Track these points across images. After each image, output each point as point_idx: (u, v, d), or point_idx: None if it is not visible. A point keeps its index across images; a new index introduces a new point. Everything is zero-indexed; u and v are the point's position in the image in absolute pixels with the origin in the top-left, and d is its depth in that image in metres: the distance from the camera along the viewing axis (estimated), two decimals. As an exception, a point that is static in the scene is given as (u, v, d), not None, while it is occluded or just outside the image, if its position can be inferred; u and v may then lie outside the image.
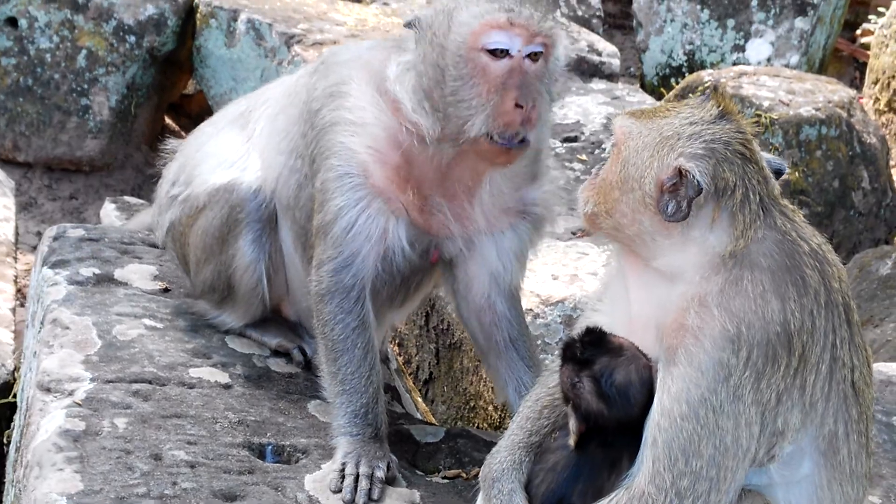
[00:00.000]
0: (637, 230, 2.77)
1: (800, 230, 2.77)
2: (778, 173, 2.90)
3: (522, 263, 3.68)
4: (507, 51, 3.21)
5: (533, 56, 3.23)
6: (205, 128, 4.01)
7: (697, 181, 2.67)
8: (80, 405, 3.16)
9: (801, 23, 8.38)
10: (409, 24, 3.37)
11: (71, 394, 3.22)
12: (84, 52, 6.70)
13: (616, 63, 8.30)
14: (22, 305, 5.43)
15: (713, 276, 2.68)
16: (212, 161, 3.80)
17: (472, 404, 4.55)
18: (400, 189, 3.39)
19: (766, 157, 2.92)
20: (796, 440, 2.71)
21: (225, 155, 3.79)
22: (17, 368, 4.39)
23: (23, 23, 6.66)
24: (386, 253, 3.40)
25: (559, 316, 4.28)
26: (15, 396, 4.27)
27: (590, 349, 2.79)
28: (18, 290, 5.22)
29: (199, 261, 3.73)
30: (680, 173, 2.69)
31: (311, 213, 3.48)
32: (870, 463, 2.86)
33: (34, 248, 6.33)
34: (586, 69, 8.19)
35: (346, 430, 3.29)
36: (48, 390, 3.25)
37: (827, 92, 7.01)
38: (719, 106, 2.78)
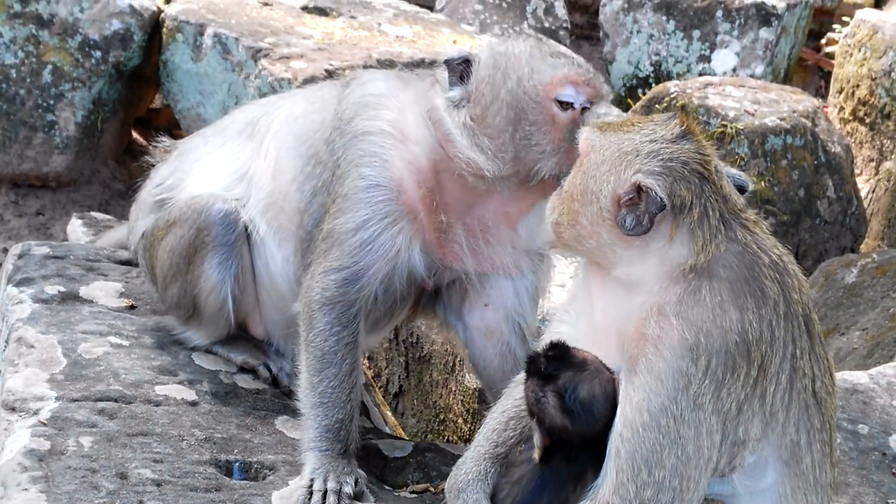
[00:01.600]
0: (597, 242, 2.81)
1: (760, 242, 2.80)
2: (741, 189, 2.95)
3: (537, 304, 3.73)
4: (572, 104, 3.40)
5: (586, 112, 3.43)
6: (209, 132, 3.99)
7: (660, 197, 2.69)
8: (45, 424, 3.14)
9: (765, 33, 8.45)
10: (454, 61, 3.45)
11: (36, 413, 3.20)
12: (49, 67, 6.67)
13: (583, 74, 8.33)
14: (-12, 323, 5.39)
15: (672, 286, 2.72)
16: (201, 173, 3.79)
17: (441, 417, 4.55)
18: (428, 212, 3.44)
19: (730, 172, 2.96)
20: (758, 450, 2.74)
21: (216, 168, 3.78)
22: (-18, 387, 4.37)
23: (-13, 38, 6.63)
24: (392, 272, 3.42)
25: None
26: (-20, 416, 4.24)
27: (553, 363, 2.80)
28: (-16, 308, 5.18)
29: (167, 277, 3.73)
30: (638, 189, 2.72)
31: (319, 220, 3.49)
32: (834, 472, 2.89)
33: (0, 265, 6.29)
34: (554, 80, 8.23)
35: (316, 445, 3.29)
36: (13, 409, 3.22)
37: (792, 102, 7.07)
38: (682, 125, 2.81)
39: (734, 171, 3.04)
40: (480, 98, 3.42)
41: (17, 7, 6.61)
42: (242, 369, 3.70)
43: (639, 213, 2.72)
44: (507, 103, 3.40)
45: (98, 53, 6.68)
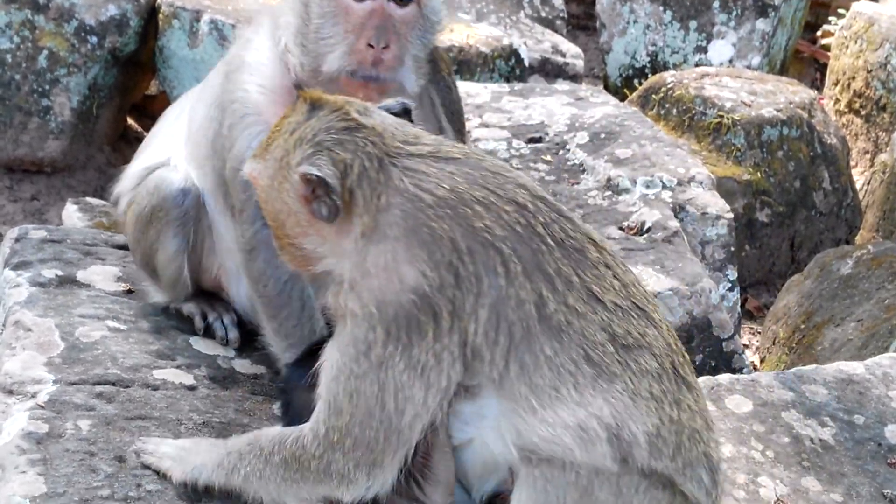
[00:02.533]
0: (324, 248, 2.83)
1: (423, 182, 2.73)
2: (405, 112, 2.96)
3: None
4: None
5: (398, 1, 3.32)
6: (181, 99, 4.02)
7: (319, 176, 2.71)
8: (43, 407, 3.14)
9: (762, 24, 8.46)
10: None
11: (34, 396, 3.19)
12: (45, 52, 6.65)
13: (580, 64, 8.34)
14: (-17, 308, 5.38)
15: (354, 258, 2.73)
16: (154, 147, 3.82)
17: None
18: None
19: (386, 104, 2.97)
20: (475, 385, 2.74)
21: (167, 137, 3.81)
22: (-22, 371, 4.36)
23: (-18, 23, 6.60)
24: None
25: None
26: (-24, 399, 4.23)
27: None
28: (-21, 293, 5.17)
29: (132, 241, 3.78)
30: (307, 180, 2.73)
31: (225, 162, 3.49)
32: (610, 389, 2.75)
33: (-5, 250, 6.27)
34: (550, 70, 8.24)
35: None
36: (10, 392, 3.22)
37: (788, 93, 7.08)
38: (306, 101, 2.82)
39: (390, 101, 3.01)
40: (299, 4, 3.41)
41: (13, -9, 6.59)
42: (239, 353, 3.69)
43: (324, 199, 2.73)
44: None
45: (94, 39, 6.66)
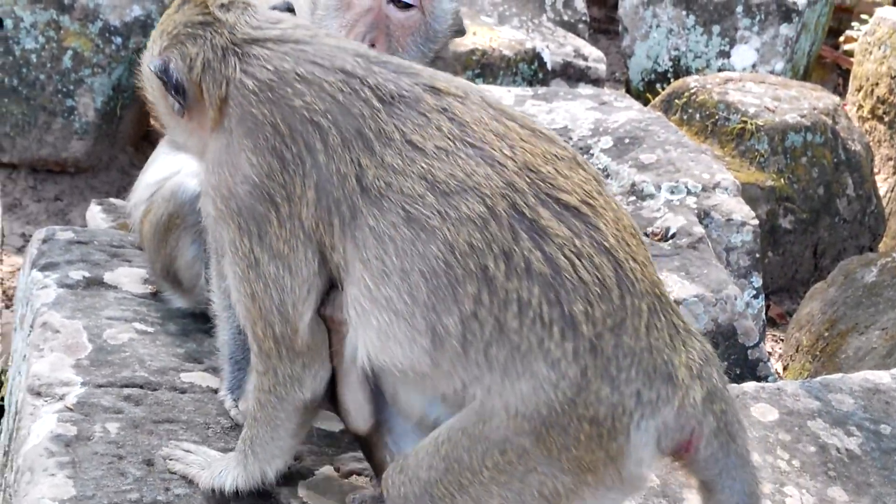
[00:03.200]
0: (191, 145, 2.84)
1: (251, 67, 2.67)
2: (289, 10, 2.92)
3: None
4: None
5: (398, 3, 3.29)
6: None
7: (157, 68, 2.71)
8: (71, 410, 3.14)
9: (786, 29, 8.43)
10: None
11: (62, 398, 3.20)
12: (70, 52, 6.67)
13: (602, 68, 8.33)
14: (6, 307, 5.40)
15: (206, 155, 2.72)
16: (163, 156, 3.82)
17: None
18: None
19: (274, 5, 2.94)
20: (342, 266, 2.60)
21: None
22: (3, 371, 4.37)
23: (8, 23, 6.62)
24: None
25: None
26: (1, 400, 4.24)
27: None
28: (3, 292, 5.19)
29: (150, 251, 3.76)
30: (157, 76, 2.73)
31: None
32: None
33: (19, 250, 6.29)
34: (572, 74, 8.23)
35: None
36: (39, 394, 3.22)
37: (812, 99, 7.05)
38: None
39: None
40: None
41: (39, -8, 6.62)
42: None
43: (173, 94, 2.73)
44: None
45: (118, 39, 6.68)
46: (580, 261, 2.46)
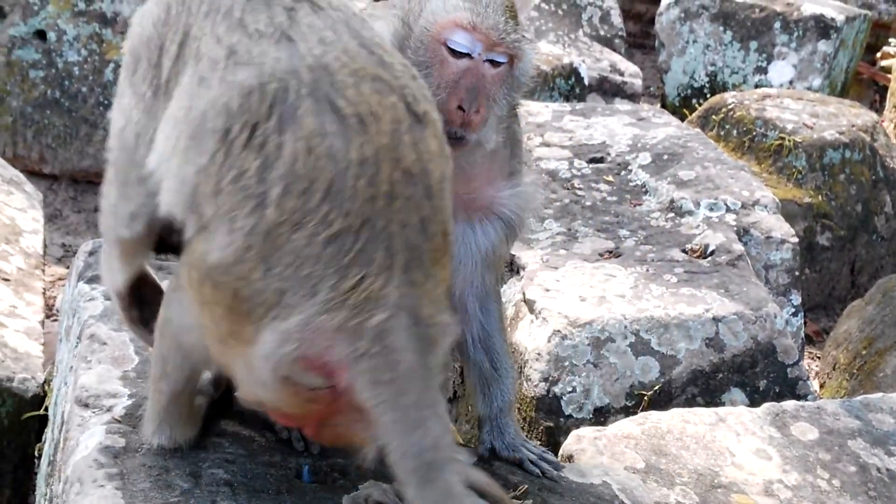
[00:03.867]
0: None
1: None
2: None
3: (491, 264, 3.67)
4: (469, 54, 3.22)
5: (493, 63, 3.24)
6: None
7: None
8: (119, 421, 3.18)
9: (823, 46, 8.41)
10: None
11: (110, 409, 3.23)
12: (111, 65, 6.75)
13: (638, 83, 8.35)
14: (49, 318, 5.46)
15: None
16: None
17: (497, 424, 4.56)
18: None
19: None
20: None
21: None
22: (47, 381, 4.42)
23: (51, 36, 6.71)
24: None
25: (587, 338, 4.30)
26: (46, 409, 4.29)
27: None
28: (46, 303, 5.25)
29: None
30: None
31: None
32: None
33: (59, 260, 6.36)
34: (608, 89, 8.24)
35: None
36: (87, 406, 3.26)
37: (850, 115, 7.03)
38: None
39: None
40: (392, 32, 3.33)
41: (81, 5, 6.69)
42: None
43: None
44: (402, 37, 3.30)
45: (160, 53, 6.75)
46: (308, 156, 2.55)
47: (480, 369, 3.70)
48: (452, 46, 3.22)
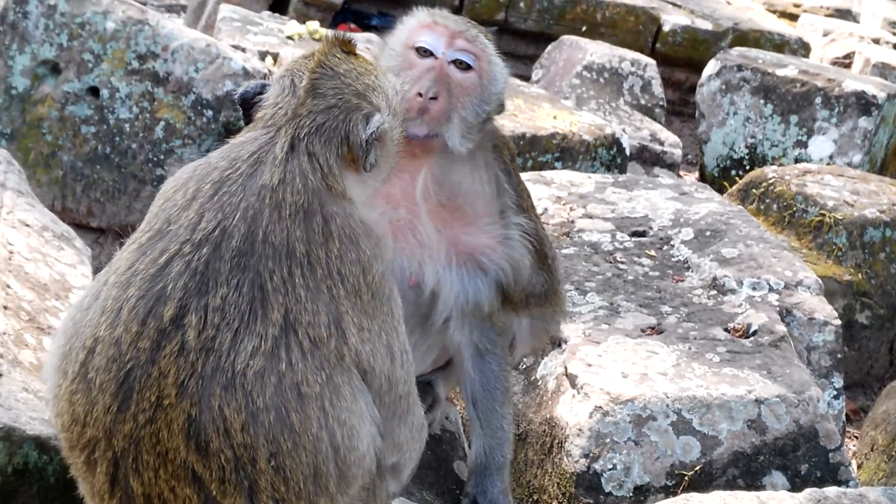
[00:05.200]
0: None
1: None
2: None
3: (478, 316, 3.73)
4: (433, 52, 3.55)
5: (459, 64, 3.56)
6: None
7: None
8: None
9: (864, 122, 8.44)
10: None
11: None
12: (162, 123, 6.86)
13: (678, 153, 8.40)
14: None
15: None
16: None
17: (535, 497, 4.57)
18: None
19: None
20: None
21: None
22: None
23: (104, 93, 6.83)
24: None
25: (628, 415, 4.31)
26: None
27: None
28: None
29: None
30: None
31: None
32: None
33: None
34: (648, 158, 8.30)
35: None
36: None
37: (891, 194, 7.04)
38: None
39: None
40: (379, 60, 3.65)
41: (135, 64, 6.82)
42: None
43: None
44: (383, 59, 3.63)
45: (209, 113, 6.87)
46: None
47: (472, 424, 3.78)
48: (417, 45, 3.55)
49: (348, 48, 3.11)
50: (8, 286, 4.21)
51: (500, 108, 3.73)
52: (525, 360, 4.88)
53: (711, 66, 8.81)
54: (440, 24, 3.57)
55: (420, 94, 3.47)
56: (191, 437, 2.71)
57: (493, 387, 3.77)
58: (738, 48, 9.32)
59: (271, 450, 2.70)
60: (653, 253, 5.44)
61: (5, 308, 4.06)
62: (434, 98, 3.49)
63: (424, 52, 3.55)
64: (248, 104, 3.13)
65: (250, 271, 2.78)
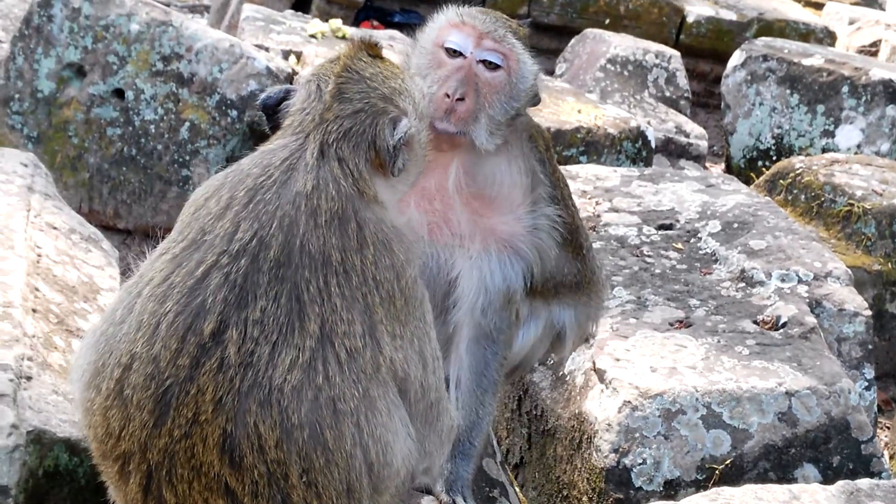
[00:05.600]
0: None
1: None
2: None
3: (495, 301, 3.70)
4: (462, 52, 3.56)
5: (488, 64, 3.58)
6: None
7: None
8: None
9: (892, 111, 8.36)
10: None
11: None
12: (187, 124, 6.89)
13: (704, 145, 8.35)
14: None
15: None
16: None
17: (564, 493, 4.56)
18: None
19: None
20: None
21: None
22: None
23: (129, 94, 6.87)
24: None
25: (658, 409, 4.29)
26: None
27: None
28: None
29: None
30: None
31: None
32: None
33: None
34: (673, 150, 8.26)
35: None
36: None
37: (920, 182, 6.97)
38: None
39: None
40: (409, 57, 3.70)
41: (160, 65, 6.85)
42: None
43: None
44: (413, 57, 3.67)
45: (234, 113, 6.89)
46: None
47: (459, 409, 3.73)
48: (446, 45, 3.55)
49: (374, 51, 3.09)
50: (36, 289, 4.24)
51: (536, 100, 3.75)
52: (552, 356, 4.86)
53: (736, 57, 8.75)
54: (468, 24, 3.57)
55: (448, 95, 3.49)
56: (225, 451, 2.71)
57: (481, 372, 3.74)
58: (762, 38, 9.25)
59: (304, 466, 2.69)
60: (680, 246, 5.41)
61: (34, 311, 4.08)
62: (461, 99, 3.51)
63: (453, 52, 3.56)
64: (272, 110, 3.13)
65: (288, 282, 2.75)
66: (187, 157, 6.93)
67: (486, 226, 3.64)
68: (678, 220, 5.62)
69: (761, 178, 7.23)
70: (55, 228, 4.83)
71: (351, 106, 2.95)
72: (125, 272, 6.85)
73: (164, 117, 6.89)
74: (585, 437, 4.44)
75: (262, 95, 3.18)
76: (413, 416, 2.88)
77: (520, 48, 3.64)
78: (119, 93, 6.89)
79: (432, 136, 3.32)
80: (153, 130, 6.89)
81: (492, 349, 3.76)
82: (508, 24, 3.68)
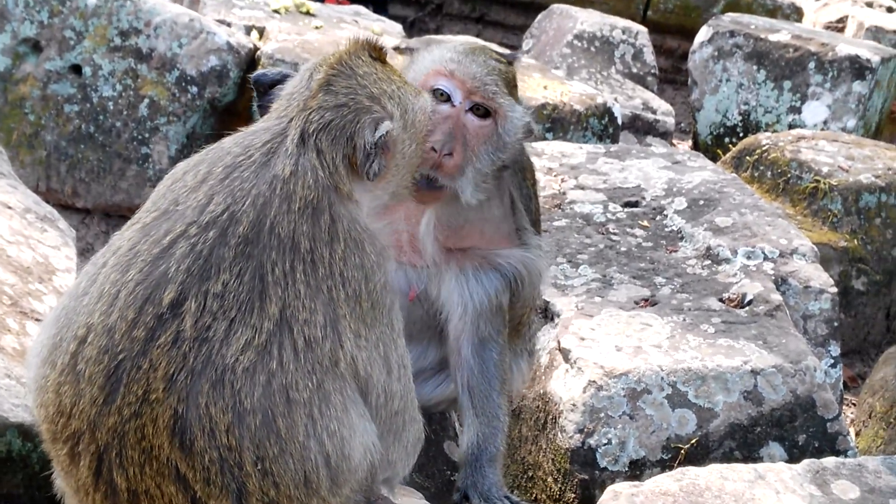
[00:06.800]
0: None
1: None
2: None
3: (485, 313, 3.68)
4: (451, 99, 3.45)
5: (477, 111, 3.47)
6: None
7: None
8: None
9: (858, 86, 8.36)
10: (398, 49, 3.54)
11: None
12: (146, 100, 6.77)
13: (671, 121, 8.32)
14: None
15: None
16: None
17: (529, 474, 4.52)
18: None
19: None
20: None
21: None
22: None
23: (87, 70, 6.74)
24: None
25: (623, 389, 4.25)
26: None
27: None
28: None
29: None
30: None
31: None
32: None
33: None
34: (640, 127, 8.22)
35: None
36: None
37: (886, 159, 6.97)
38: None
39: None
40: None
41: (118, 41, 6.72)
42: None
43: None
44: None
45: (194, 89, 6.77)
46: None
47: (464, 413, 3.71)
48: (435, 87, 3.44)
49: (377, 54, 3.02)
50: (-12, 270, 4.14)
51: (529, 134, 3.66)
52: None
53: (703, 33, 8.71)
54: (458, 77, 3.46)
55: (434, 150, 3.38)
56: (175, 434, 2.63)
57: (492, 374, 3.72)
58: (730, 14, 9.22)
59: (258, 454, 2.62)
60: (646, 223, 5.37)
61: (-15, 293, 3.99)
62: (449, 154, 3.41)
63: (442, 95, 3.46)
64: (264, 88, 3.07)
65: (254, 260, 2.69)
66: (147, 135, 6.81)
67: (460, 254, 3.61)
68: (644, 198, 5.58)
69: (728, 155, 7.21)
70: (10, 208, 4.72)
71: (335, 99, 2.89)
72: (83, 252, 6.76)
73: (123, 94, 6.77)
74: (550, 417, 4.40)
75: (258, 72, 3.11)
76: (376, 421, 2.82)
77: (508, 104, 3.54)
78: (76, 69, 6.76)
79: (415, 189, 3.21)
80: (111, 107, 6.77)
81: (496, 349, 3.74)
82: (497, 70, 3.54)
